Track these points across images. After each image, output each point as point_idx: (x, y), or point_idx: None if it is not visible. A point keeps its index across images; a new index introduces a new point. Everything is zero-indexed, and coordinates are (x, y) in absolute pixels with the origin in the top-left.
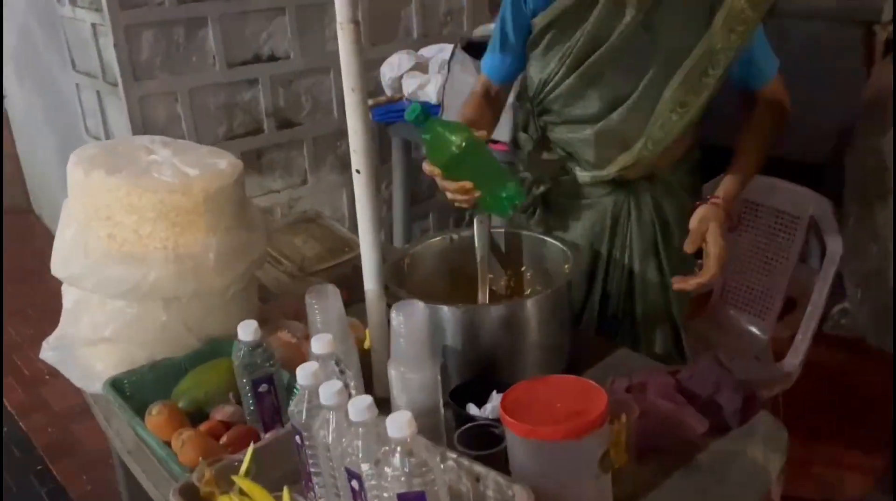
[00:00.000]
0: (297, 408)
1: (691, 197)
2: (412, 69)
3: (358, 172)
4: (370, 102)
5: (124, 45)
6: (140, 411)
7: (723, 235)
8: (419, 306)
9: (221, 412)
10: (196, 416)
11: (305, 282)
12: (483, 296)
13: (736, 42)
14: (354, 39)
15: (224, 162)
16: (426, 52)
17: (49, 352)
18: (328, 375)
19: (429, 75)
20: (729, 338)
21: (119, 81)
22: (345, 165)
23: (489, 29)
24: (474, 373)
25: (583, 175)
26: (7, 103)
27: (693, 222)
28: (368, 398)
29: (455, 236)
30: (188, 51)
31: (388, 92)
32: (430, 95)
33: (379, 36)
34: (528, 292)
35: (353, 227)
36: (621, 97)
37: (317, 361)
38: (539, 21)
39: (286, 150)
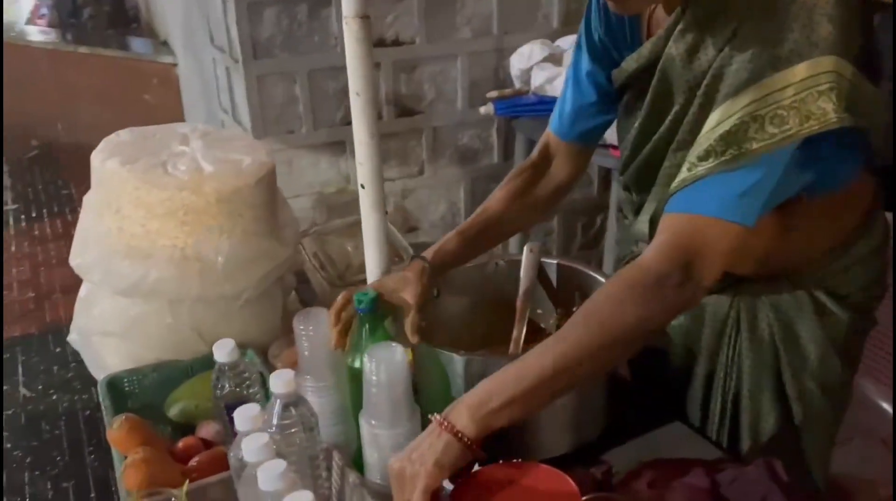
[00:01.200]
0: (233, 454)
1: (849, 310)
2: (544, 60)
3: (363, 187)
4: (494, 94)
5: (246, 21)
6: (137, 412)
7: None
8: (397, 352)
9: (206, 429)
10: (187, 428)
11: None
12: (519, 334)
13: (751, 143)
14: (362, 37)
15: (249, 160)
16: (563, 42)
17: (73, 335)
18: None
19: (561, 68)
20: (850, 411)
21: (240, 57)
22: (465, 157)
23: None
24: None
25: None
26: (178, 70)
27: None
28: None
29: (501, 262)
30: (310, 31)
31: (517, 84)
32: (559, 89)
33: (513, 24)
34: None
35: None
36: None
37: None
38: (614, 77)
39: (404, 139)
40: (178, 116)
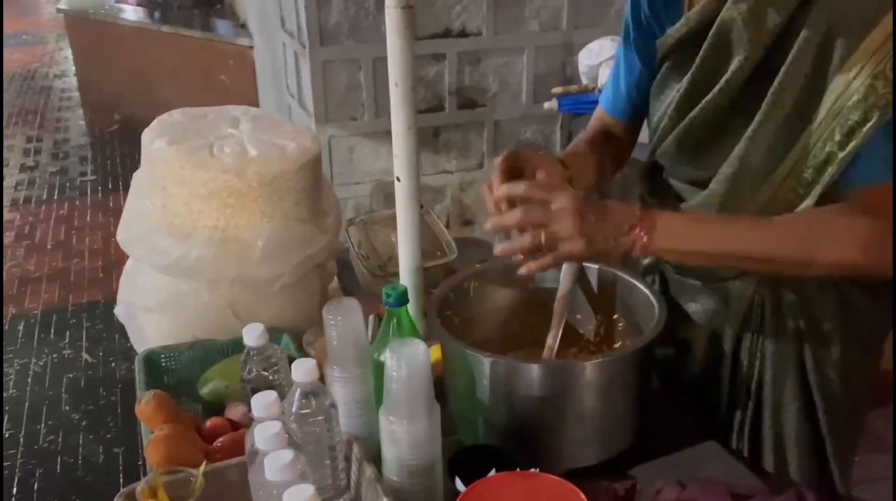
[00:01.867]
0: (248, 439)
1: (873, 301)
2: (612, 58)
3: (398, 179)
4: (559, 89)
5: (315, 7)
6: (173, 388)
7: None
8: (420, 349)
9: (235, 411)
10: (218, 408)
11: (386, 282)
12: (553, 340)
13: (886, 97)
14: (404, 26)
15: (294, 146)
16: None
17: (119, 307)
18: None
19: None
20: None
21: (307, 43)
22: None
23: None
24: (506, 438)
25: None
26: (254, 52)
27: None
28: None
29: None
30: (377, 19)
31: (584, 80)
32: None
33: (583, 18)
34: (617, 345)
35: None
36: (725, 163)
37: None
38: (659, 46)
39: (465, 131)
40: (253, 98)
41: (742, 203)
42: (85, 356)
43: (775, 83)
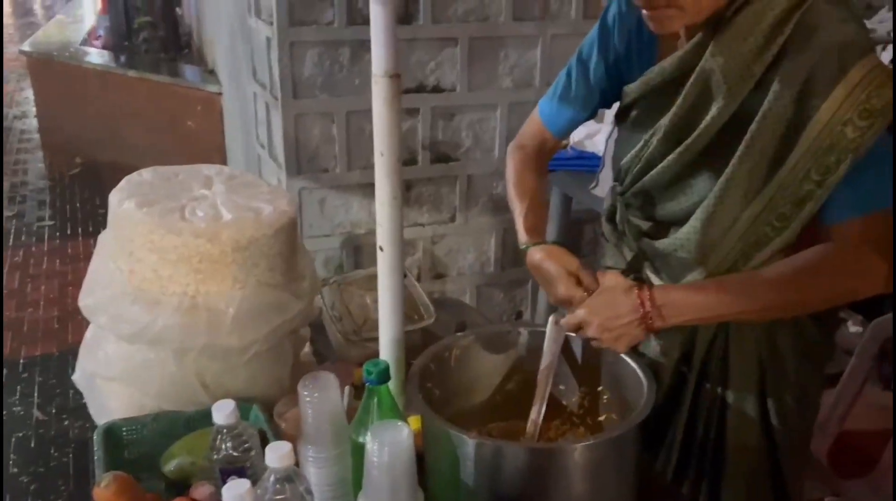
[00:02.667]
0: None
1: (824, 328)
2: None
3: (381, 249)
4: None
5: (288, 60)
6: (134, 463)
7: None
8: (403, 431)
9: (200, 490)
10: (182, 486)
11: (361, 348)
12: (537, 414)
13: (856, 141)
14: (391, 96)
15: (270, 209)
16: None
17: (78, 375)
18: None
19: (601, 124)
20: None
21: (279, 95)
22: (498, 207)
23: None
24: None
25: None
26: (223, 99)
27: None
28: None
29: (524, 331)
30: (351, 73)
31: None
32: (599, 145)
33: (556, 76)
34: (602, 417)
35: (499, 272)
36: (700, 203)
37: None
38: (629, 91)
39: (438, 184)
40: (220, 145)
41: (719, 239)
42: (36, 413)
43: (752, 129)
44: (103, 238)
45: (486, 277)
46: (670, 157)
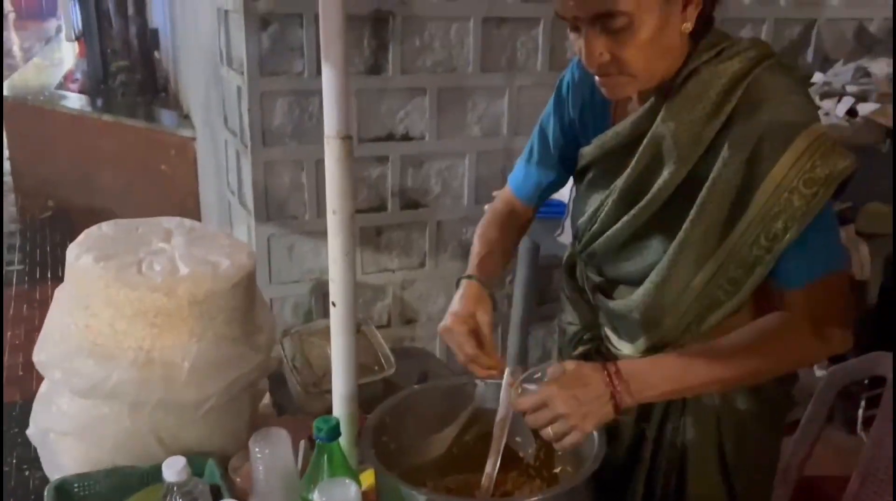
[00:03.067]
0: None
1: (782, 386)
2: None
3: (334, 304)
4: (499, 192)
5: (258, 109)
6: None
7: (572, 401)
8: (351, 490)
9: None
10: None
11: (321, 400)
12: (492, 468)
13: (802, 208)
14: (342, 156)
15: (228, 263)
16: None
17: (31, 430)
18: None
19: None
20: None
21: (249, 143)
22: (467, 253)
23: None
24: None
25: (612, 347)
26: (197, 144)
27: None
28: None
29: (481, 383)
30: (320, 122)
31: None
32: (564, 193)
33: (523, 126)
34: (557, 470)
35: None
36: (654, 264)
37: None
38: (584, 154)
39: (407, 230)
40: (193, 190)
41: (672, 302)
42: None
43: (702, 194)
44: (60, 292)
45: None
46: (624, 219)
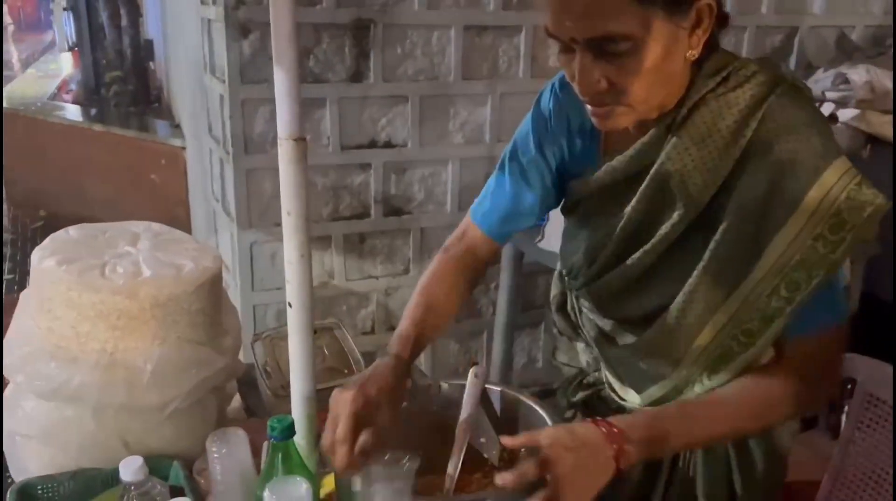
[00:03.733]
0: None
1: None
2: None
3: (290, 305)
4: None
5: (239, 117)
6: None
7: (575, 467)
8: (301, 487)
9: None
10: None
11: (289, 403)
12: (454, 468)
13: (829, 257)
14: (295, 158)
15: (191, 265)
16: None
17: None
18: None
19: None
20: None
21: (231, 150)
22: None
23: None
24: None
25: (615, 395)
26: (187, 153)
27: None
28: None
29: (444, 385)
30: (303, 130)
31: None
32: None
33: (505, 132)
34: None
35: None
36: (660, 307)
37: None
38: (575, 189)
39: (391, 237)
40: (183, 199)
41: (681, 352)
42: None
43: (717, 236)
44: (24, 296)
45: None
46: (628, 262)
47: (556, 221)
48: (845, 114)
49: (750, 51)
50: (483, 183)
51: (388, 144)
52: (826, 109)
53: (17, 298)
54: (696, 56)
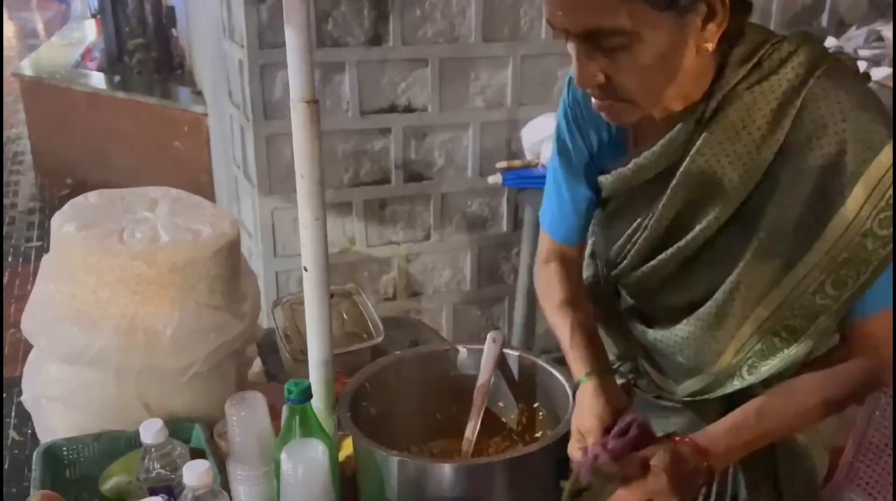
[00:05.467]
0: None
1: None
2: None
3: (306, 269)
4: (503, 164)
5: (258, 82)
6: (76, 483)
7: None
8: (318, 449)
9: None
10: None
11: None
12: (472, 432)
13: (878, 253)
14: (308, 121)
15: (209, 231)
16: None
17: (25, 396)
18: None
19: None
20: None
21: (251, 116)
22: (472, 225)
23: None
24: None
25: (655, 385)
26: (209, 120)
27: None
28: None
29: (462, 349)
30: (322, 95)
31: (528, 155)
32: None
33: (528, 96)
34: (539, 434)
35: (475, 290)
36: (699, 300)
37: None
38: (604, 185)
39: (411, 203)
40: (206, 166)
41: (720, 347)
42: (12, 434)
43: (759, 234)
44: (46, 261)
45: (462, 295)
46: (660, 257)
47: None
48: (879, 72)
49: (780, 9)
50: (504, 148)
51: (408, 109)
52: (859, 68)
53: None
54: (713, 48)
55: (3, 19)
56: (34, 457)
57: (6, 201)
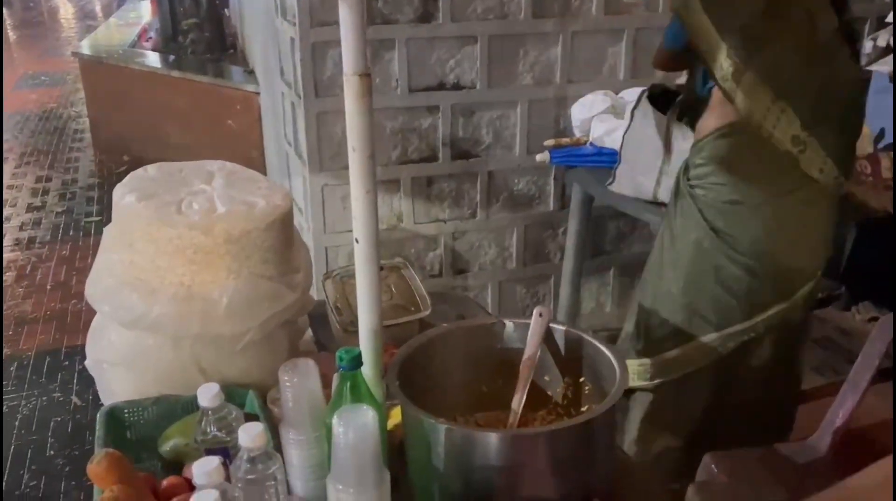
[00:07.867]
0: None
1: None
2: (605, 112)
3: (357, 241)
4: (551, 142)
5: (310, 60)
6: (136, 444)
7: None
8: (368, 415)
9: (192, 471)
10: (177, 466)
11: (357, 338)
12: (518, 405)
13: None
14: (361, 94)
15: (263, 203)
16: (627, 94)
17: (88, 361)
18: None
19: (621, 121)
20: None
21: (302, 93)
22: (518, 204)
23: None
24: None
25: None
26: (260, 98)
27: None
28: None
29: (509, 323)
30: (372, 72)
31: (577, 133)
32: (617, 142)
33: (577, 73)
34: (584, 408)
35: (521, 268)
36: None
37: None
38: None
39: (458, 181)
40: (258, 143)
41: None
42: (74, 399)
43: None
44: (108, 231)
45: (507, 272)
46: None
47: (628, 164)
48: None
49: None
50: (552, 126)
51: (457, 86)
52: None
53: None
54: None
55: (4, 19)
56: (98, 417)
57: (67, 177)
